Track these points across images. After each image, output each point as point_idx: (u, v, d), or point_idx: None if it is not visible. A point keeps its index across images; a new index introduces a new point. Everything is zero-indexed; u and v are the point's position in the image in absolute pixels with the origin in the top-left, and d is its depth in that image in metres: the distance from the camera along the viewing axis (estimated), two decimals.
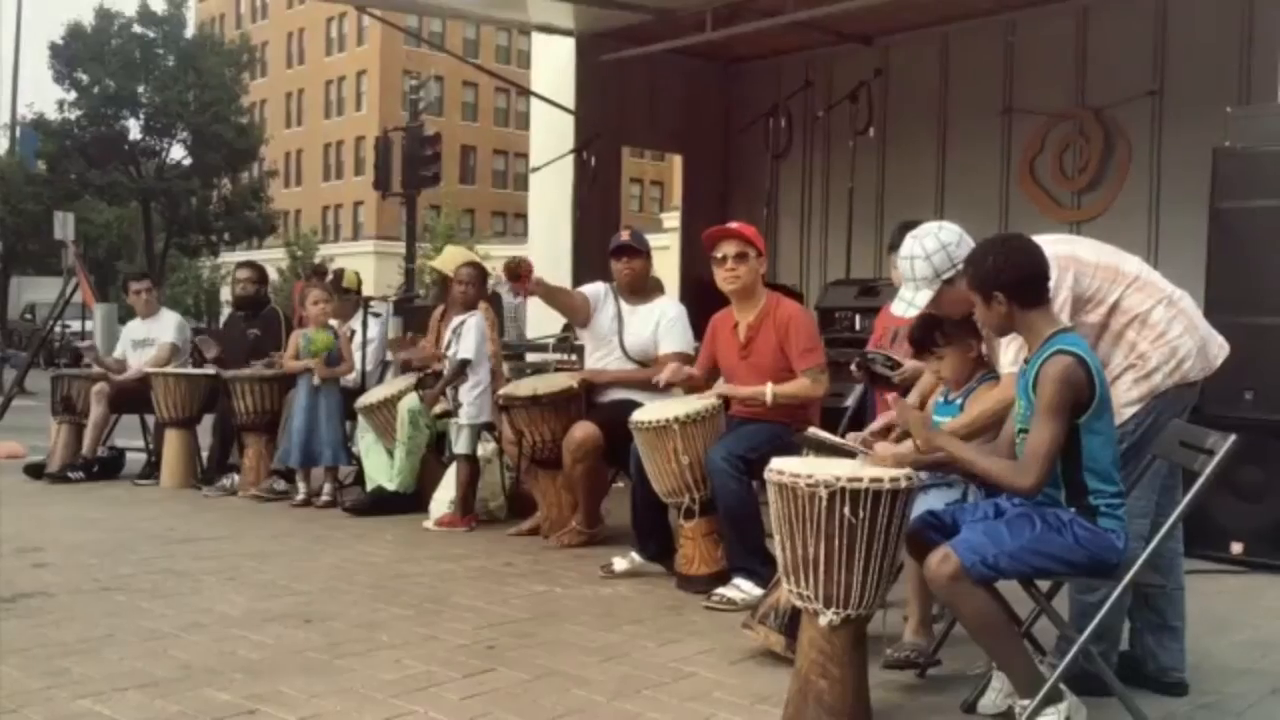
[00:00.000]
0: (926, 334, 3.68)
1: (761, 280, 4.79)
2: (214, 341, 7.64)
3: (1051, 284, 3.04)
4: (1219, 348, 3.39)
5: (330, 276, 7.72)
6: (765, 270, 4.88)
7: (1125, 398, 3.20)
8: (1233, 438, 2.83)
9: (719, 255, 4.69)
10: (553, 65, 10.01)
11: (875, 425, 3.86)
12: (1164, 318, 3.27)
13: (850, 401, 5.17)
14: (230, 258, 39.24)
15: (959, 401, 3.58)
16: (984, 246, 3.07)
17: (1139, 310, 3.27)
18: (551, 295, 5.61)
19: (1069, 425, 2.82)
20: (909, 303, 3.44)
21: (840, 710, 3.00)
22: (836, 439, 3.64)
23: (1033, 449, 2.82)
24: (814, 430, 3.80)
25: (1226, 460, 2.82)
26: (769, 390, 4.56)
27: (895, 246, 4.41)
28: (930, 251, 3.39)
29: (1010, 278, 2.93)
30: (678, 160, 12.16)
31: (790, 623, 3.47)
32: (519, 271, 5.34)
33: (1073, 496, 2.89)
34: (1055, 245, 3.21)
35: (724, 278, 4.70)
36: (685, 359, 5.34)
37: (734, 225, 4.77)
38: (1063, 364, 2.81)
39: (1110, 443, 2.92)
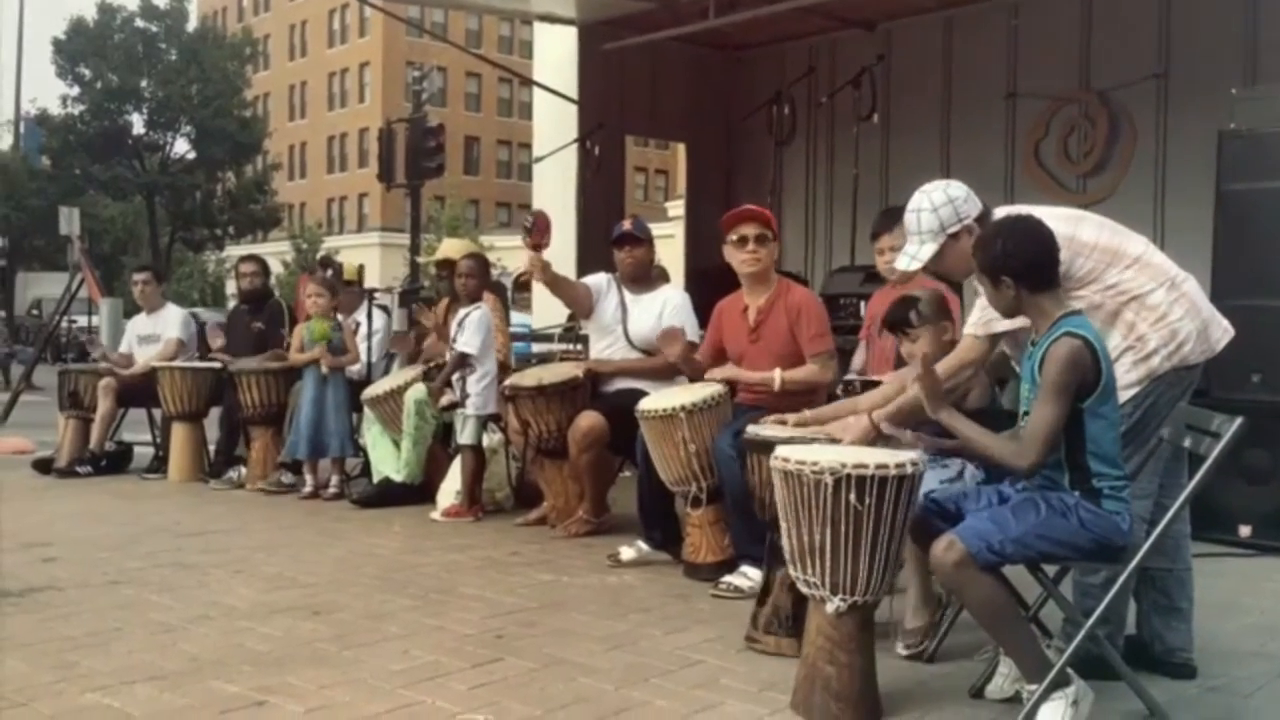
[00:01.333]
0: (901, 315, 3.69)
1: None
2: (221, 331, 7.62)
3: None
4: (1222, 332, 3.37)
5: (330, 271, 7.72)
6: (778, 255, 4.88)
7: (1124, 380, 3.18)
8: (1240, 420, 2.82)
9: (738, 237, 4.67)
10: (555, 55, 9.98)
11: (809, 413, 3.93)
12: (1165, 300, 3.25)
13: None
14: (235, 251, 39.32)
15: None
16: (994, 229, 3.06)
17: (1138, 291, 3.25)
18: (555, 284, 5.57)
19: (1071, 408, 2.81)
20: (912, 256, 3.40)
21: (848, 696, 3.00)
22: (777, 433, 3.69)
23: (1033, 430, 2.81)
24: (751, 429, 3.87)
25: (1233, 443, 2.81)
26: (777, 375, 4.56)
27: (877, 235, 4.43)
28: (937, 205, 3.34)
29: (1018, 262, 2.92)
30: (682, 149, 12.12)
31: (794, 623, 3.48)
32: (534, 227, 5.32)
33: (1077, 480, 2.89)
34: (1057, 224, 3.20)
35: (744, 260, 4.68)
36: (691, 348, 5.34)
37: (753, 207, 4.75)
38: (1069, 346, 2.81)
39: (1115, 426, 2.91)
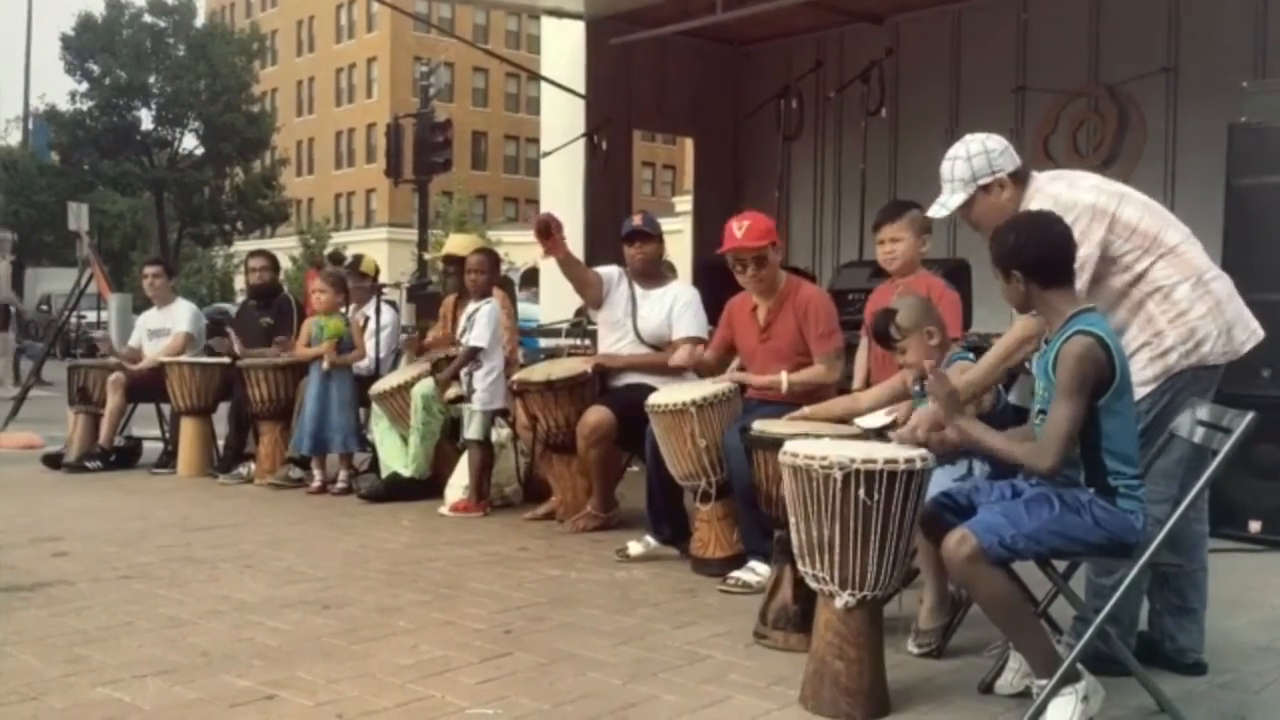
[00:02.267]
0: (882, 329, 3.69)
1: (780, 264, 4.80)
2: (232, 337, 7.61)
3: (1079, 232, 3.04)
4: (1249, 334, 3.31)
5: (347, 264, 7.72)
6: (782, 256, 4.87)
7: (1139, 376, 3.16)
8: (1250, 415, 2.81)
9: (732, 260, 4.66)
10: (563, 49, 9.97)
11: (808, 409, 3.99)
12: (1188, 297, 3.22)
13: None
14: (244, 246, 39.38)
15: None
16: (1009, 223, 3.06)
17: (1164, 284, 3.22)
18: (569, 262, 5.51)
19: (1089, 406, 2.80)
20: (942, 204, 3.42)
21: (857, 691, 2.99)
22: (781, 430, 3.68)
23: (1051, 430, 2.80)
24: (758, 425, 3.87)
25: (1244, 438, 2.80)
26: (784, 379, 4.56)
27: (879, 225, 4.43)
28: (972, 154, 3.35)
29: (1030, 257, 2.92)
30: (689, 143, 12.11)
31: (803, 618, 3.47)
32: (549, 229, 5.30)
33: (1092, 477, 2.88)
34: (1099, 196, 3.18)
35: (743, 282, 4.72)
36: (698, 343, 5.34)
37: (741, 229, 4.62)
38: (1082, 344, 2.80)
39: (1130, 424, 2.91)
